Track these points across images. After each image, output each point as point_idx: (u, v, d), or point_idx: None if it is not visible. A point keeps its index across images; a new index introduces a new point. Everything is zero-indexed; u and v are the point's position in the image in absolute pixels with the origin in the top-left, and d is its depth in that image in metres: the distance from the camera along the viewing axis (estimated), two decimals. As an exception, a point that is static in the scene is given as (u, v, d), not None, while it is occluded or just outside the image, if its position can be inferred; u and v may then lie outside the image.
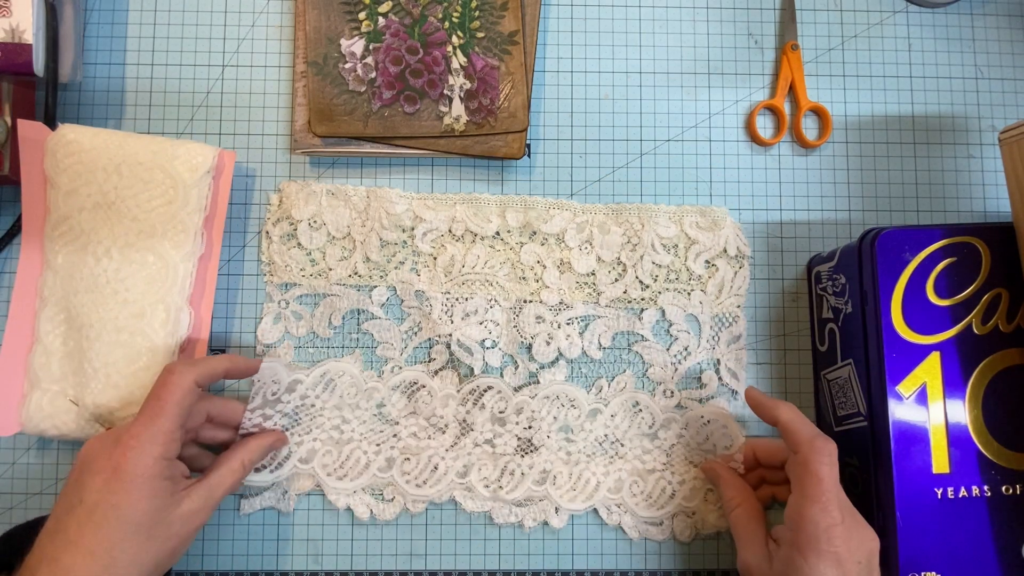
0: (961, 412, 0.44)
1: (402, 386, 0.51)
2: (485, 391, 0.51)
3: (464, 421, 0.51)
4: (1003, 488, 0.44)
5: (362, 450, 0.50)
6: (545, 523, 0.51)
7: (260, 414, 0.49)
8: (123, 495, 0.39)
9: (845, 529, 0.40)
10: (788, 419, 0.44)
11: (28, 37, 0.47)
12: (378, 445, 0.50)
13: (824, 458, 0.42)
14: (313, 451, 0.50)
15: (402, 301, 0.52)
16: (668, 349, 0.52)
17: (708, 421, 0.51)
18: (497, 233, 0.52)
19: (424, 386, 0.51)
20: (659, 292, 0.52)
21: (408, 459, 0.50)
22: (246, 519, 0.50)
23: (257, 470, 0.49)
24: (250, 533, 0.50)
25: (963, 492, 0.44)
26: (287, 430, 0.50)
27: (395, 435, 0.50)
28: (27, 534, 0.44)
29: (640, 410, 0.51)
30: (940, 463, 0.44)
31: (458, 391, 0.51)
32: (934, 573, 0.43)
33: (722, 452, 0.50)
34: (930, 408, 0.44)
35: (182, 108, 0.53)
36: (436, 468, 0.50)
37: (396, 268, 0.52)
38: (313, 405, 0.50)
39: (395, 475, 0.50)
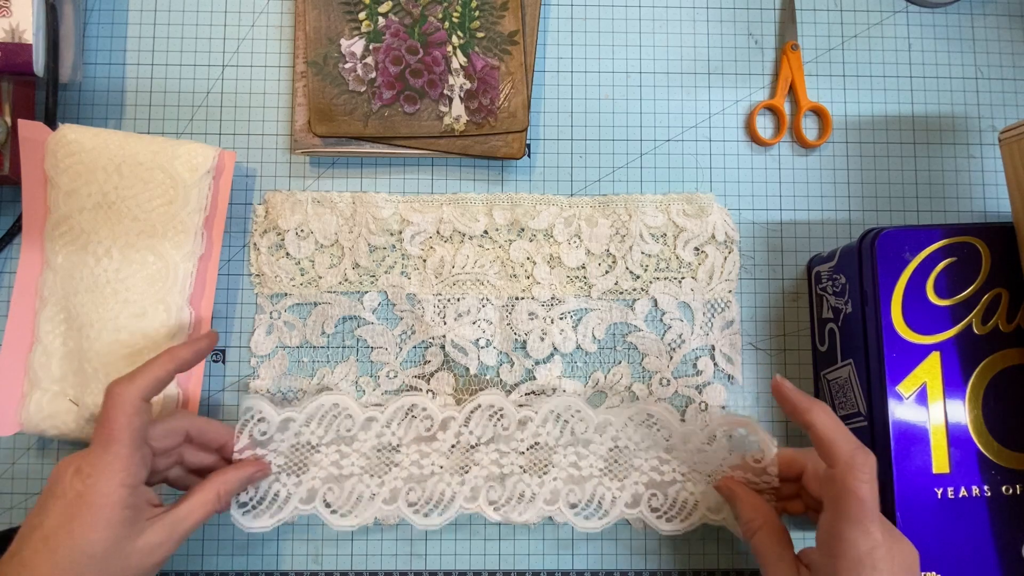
0: (961, 412, 0.44)
1: (400, 412, 0.49)
2: (486, 409, 0.49)
3: (467, 443, 0.48)
4: (1003, 488, 0.44)
5: (364, 484, 0.48)
6: (550, 519, 0.50)
7: (251, 455, 0.47)
8: (79, 524, 0.37)
9: (887, 550, 0.37)
10: (823, 426, 0.40)
11: (28, 37, 0.47)
12: (381, 477, 0.48)
13: (865, 475, 0.38)
14: (314, 491, 0.47)
15: (394, 305, 0.52)
16: (662, 338, 0.52)
17: (731, 436, 0.48)
18: (485, 232, 0.52)
19: (425, 408, 0.49)
20: (650, 282, 0.52)
21: (412, 489, 0.48)
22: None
23: (256, 515, 0.47)
24: (250, 533, 0.50)
25: (963, 492, 0.44)
26: (282, 471, 0.47)
27: (396, 464, 0.48)
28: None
29: (655, 424, 0.49)
30: (940, 463, 0.44)
31: (459, 412, 0.49)
32: (934, 573, 0.43)
33: (751, 463, 0.46)
34: (930, 408, 0.44)
35: (182, 108, 0.53)
36: (443, 495, 0.47)
37: (386, 272, 0.52)
38: (308, 442, 0.48)
39: (400, 506, 0.47)
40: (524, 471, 0.48)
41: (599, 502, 0.48)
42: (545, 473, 0.48)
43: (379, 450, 0.49)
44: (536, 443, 0.49)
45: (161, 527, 0.40)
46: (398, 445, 0.49)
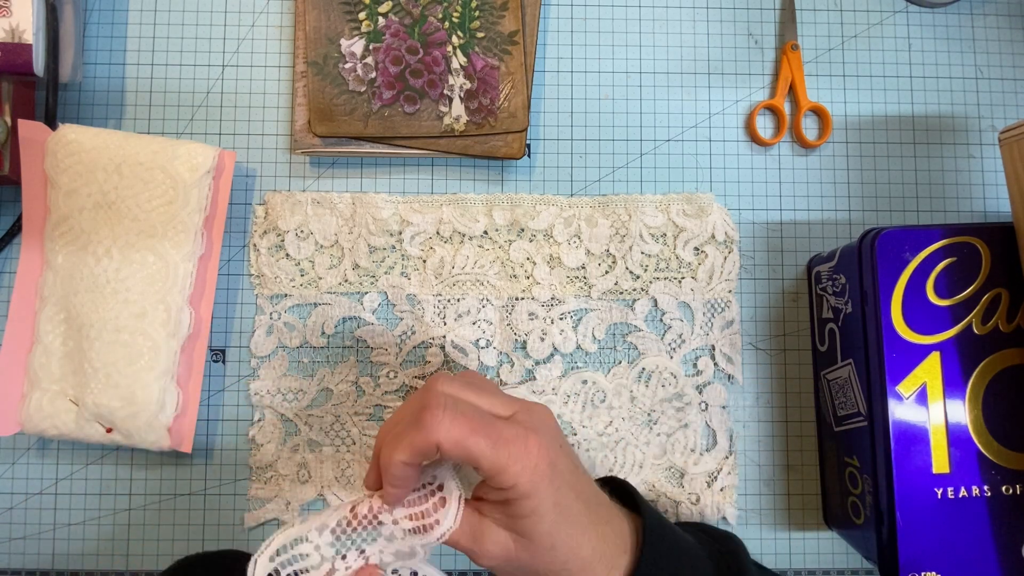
0: (961, 412, 0.44)
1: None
2: None
3: None
4: (1003, 488, 0.44)
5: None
6: None
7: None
8: None
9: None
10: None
11: (28, 37, 0.47)
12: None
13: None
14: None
15: (394, 306, 0.52)
16: (662, 338, 0.52)
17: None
18: (485, 232, 0.52)
19: None
20: (650, 282, 0.52)
21: None
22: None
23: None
24: (250, 533, 0.50)
25: (963, 492, 0.44)
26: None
27: None
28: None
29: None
30: (940, 463, 0.44)
31: None
32: (934, 573, 0.43)
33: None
34: (930, 408, 0.44)
35: (182, 108, 0.53)
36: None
37: (386, 273, 0.52)
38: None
39: None
40: None
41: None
42: None
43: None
44: None
45: None
46: None
